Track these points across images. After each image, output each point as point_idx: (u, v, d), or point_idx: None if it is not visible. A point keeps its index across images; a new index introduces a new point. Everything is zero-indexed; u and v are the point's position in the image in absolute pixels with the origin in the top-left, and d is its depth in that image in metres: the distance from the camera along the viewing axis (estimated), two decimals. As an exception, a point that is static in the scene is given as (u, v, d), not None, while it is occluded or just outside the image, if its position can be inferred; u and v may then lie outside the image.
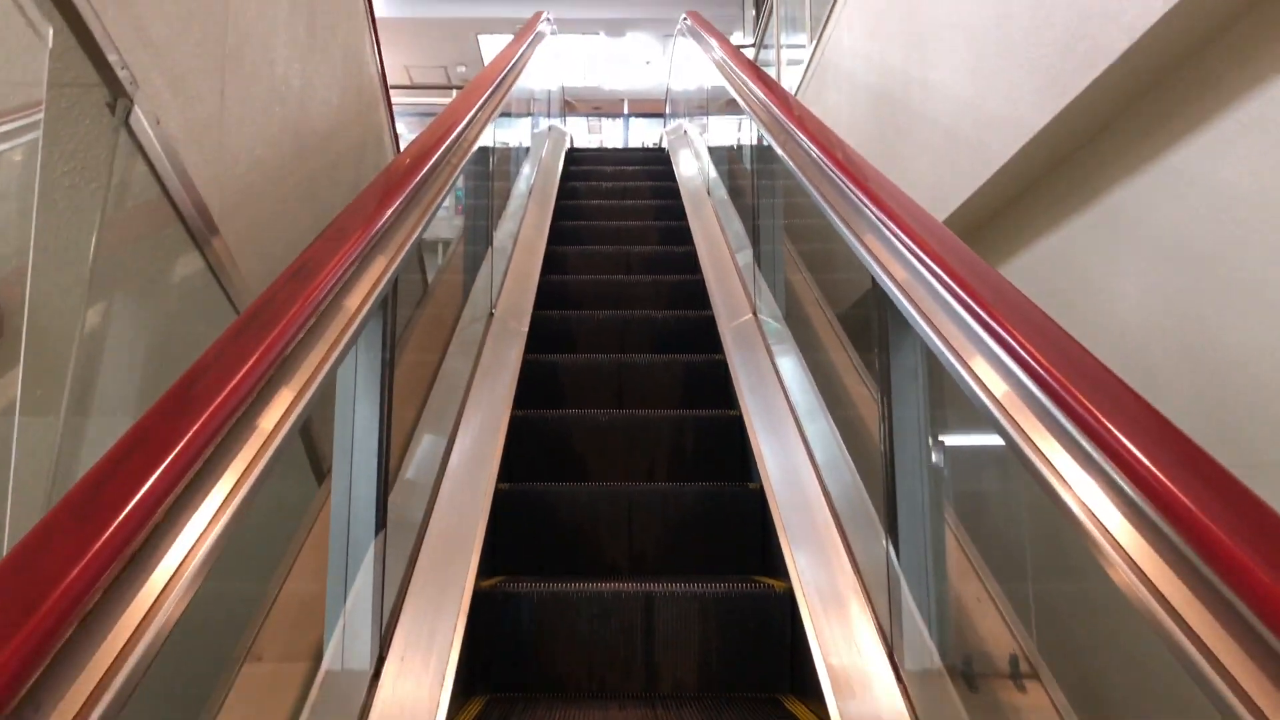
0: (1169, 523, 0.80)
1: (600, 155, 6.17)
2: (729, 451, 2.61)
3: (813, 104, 4.71)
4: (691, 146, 5.86)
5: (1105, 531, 0.90)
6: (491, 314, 2.94)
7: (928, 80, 3.27)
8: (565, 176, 5.30)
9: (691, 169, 5.43)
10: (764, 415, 2.45)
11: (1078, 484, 0.96)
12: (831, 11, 4.70)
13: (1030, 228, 2.79)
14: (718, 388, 2.91)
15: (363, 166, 2.35)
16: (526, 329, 3.00)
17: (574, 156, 6.04)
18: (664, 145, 7.01)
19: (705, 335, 3.12)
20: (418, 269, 3.03)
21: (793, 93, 5.48)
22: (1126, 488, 0.87)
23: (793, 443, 2.36)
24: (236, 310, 1.76)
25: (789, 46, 6.78)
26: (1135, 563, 0.85)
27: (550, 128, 6.41)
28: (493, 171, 2.97)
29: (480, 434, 2.39)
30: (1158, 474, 0.82)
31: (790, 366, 2.67)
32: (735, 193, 4.33)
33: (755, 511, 2.31)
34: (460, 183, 2.83)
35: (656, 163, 5.93)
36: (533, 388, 2.77)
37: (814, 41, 5.24)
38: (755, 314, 2.98)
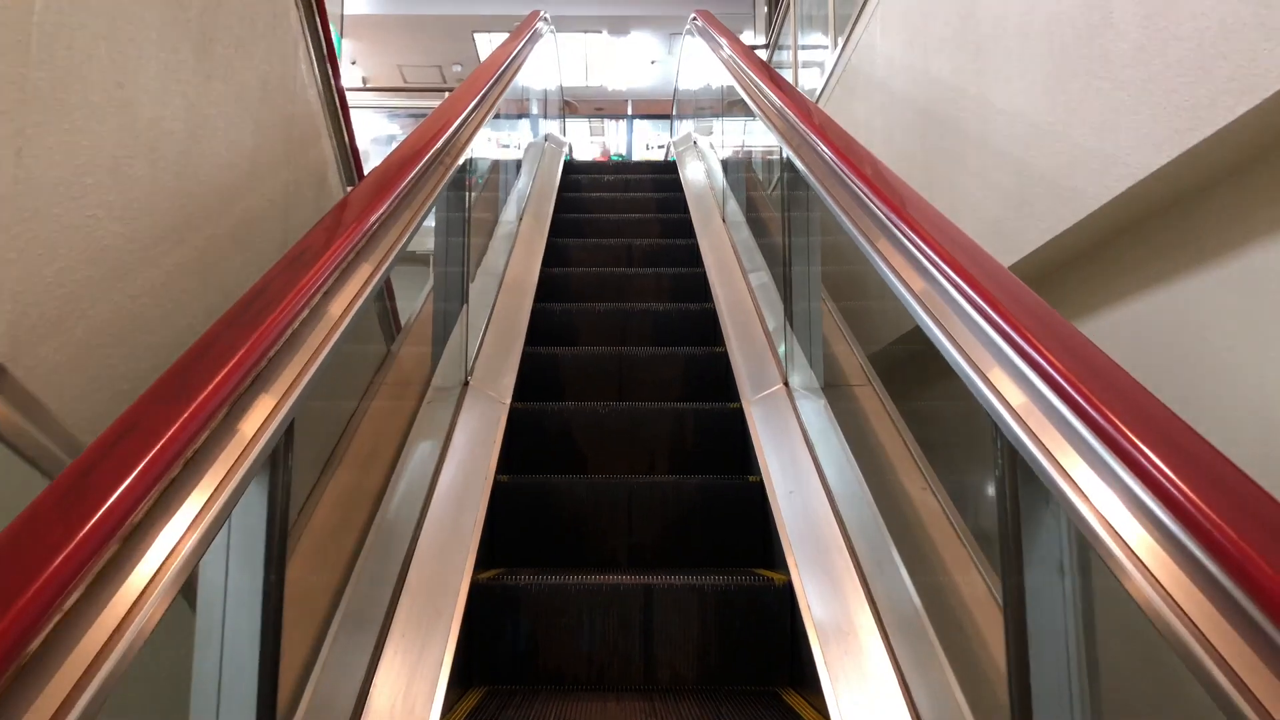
0: (1204, 549, 0.76)
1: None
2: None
3: (837, 115, 4.18)
4: (703, 161, 5.34)
5: (1131, 553, 0.84)
6: (467, 383, 2.43)
7: (988, 99, 2.75)
8: (560, 206, 4.67)
9: (703, 187, 4.92)
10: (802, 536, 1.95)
11: (1101, 501, 0.90)
12: (861, 11, 4.18)
13: (1121, 282, 2.29)
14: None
15: (294, 219, 1.85)
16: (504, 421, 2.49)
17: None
18: (671, 156, 6.49)
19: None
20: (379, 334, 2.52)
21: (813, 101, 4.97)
22: (1157, 508, 0.82)
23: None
24: (46, 476, 1.26)
25: (806, 48, 6.26)
26: (1164, 586, 0.80)
27: (547, 137, 5.89)
28: (469, 213, 2.46)
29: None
30: (1197, 500, 0.77)
31: (832, 454, 2.17)
32: (755, 225, 3.81)
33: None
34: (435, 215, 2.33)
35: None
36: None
37: (838, 45, 4.72)
38: (786, 384, 2.47)
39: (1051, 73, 2.35)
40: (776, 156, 3.07)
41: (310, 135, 2.01)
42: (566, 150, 6.17)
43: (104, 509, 0.76)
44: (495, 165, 3.91)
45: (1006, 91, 2.63)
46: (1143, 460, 0.83)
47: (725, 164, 4.65)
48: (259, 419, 1.05)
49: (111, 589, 0.77)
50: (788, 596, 1.90)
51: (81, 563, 0.72)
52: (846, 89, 4.50)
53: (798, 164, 2.38)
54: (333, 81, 2.60)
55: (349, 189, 2.57)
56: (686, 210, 4.52)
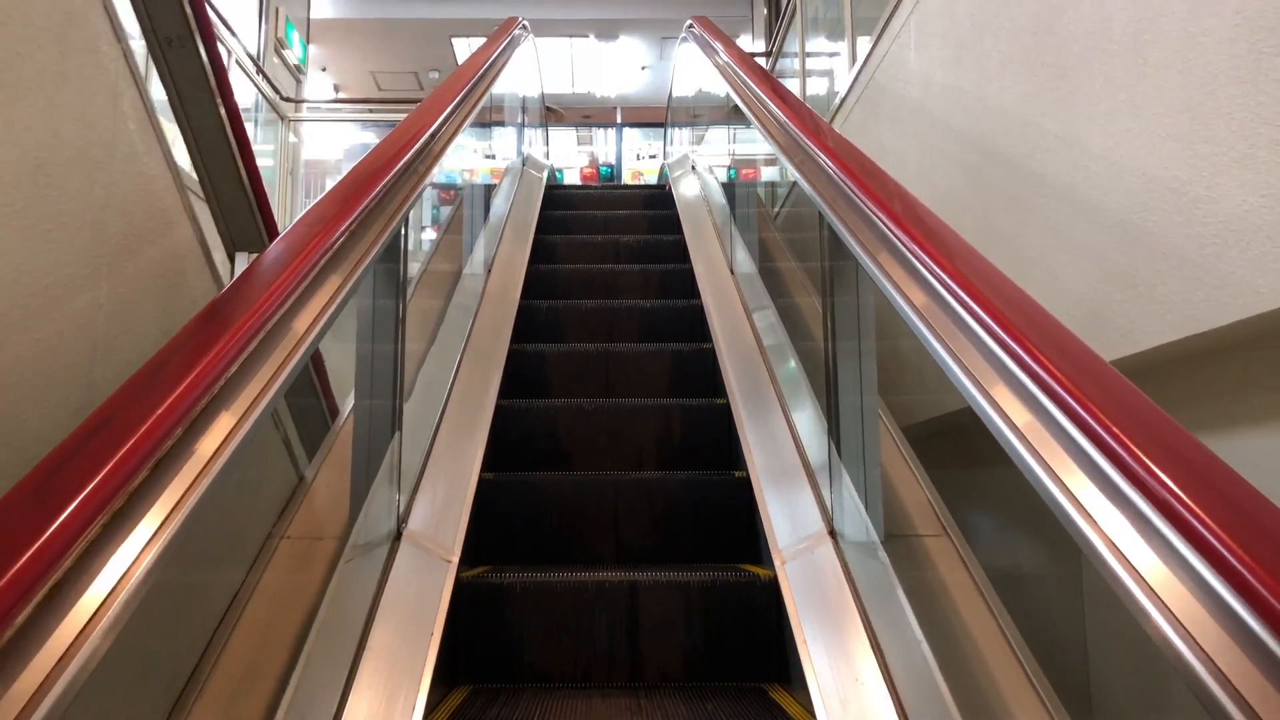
0: (1221, 577, 0.72)
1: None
2: None
3: (859, 140, 3.52)
4: (703, 195, 4.71)
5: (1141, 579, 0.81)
6: (399, 535, 1.81)
7: (1078, 139, 2.14)
8: (536, 255, 3.92)
9: (703, 220, 4.30)
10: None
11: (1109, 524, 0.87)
12: (889, 20, 3.56)
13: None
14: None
15: (118, 354, 1.22)
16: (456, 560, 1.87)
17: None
18: (665, 181, 5.87)
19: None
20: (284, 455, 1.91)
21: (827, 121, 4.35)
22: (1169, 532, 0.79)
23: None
24: None
25: (814, 55, 5.64)
26: (1175, 614, 0.76)
27: (525, 161, 5.25)
28: (403, 312, 1.82)
29: None
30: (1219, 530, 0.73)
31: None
32: (768, 277, 3.19)
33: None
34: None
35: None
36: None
37: (858, 58, 4.10)
38: (832, 533, 1.84)
39: (1188, 113, 1.74)
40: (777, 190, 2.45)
41: (150, 225, 1.38)
42: (548, 174, 5.53)
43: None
44: (458, 200, 3.30)
45: (1109, 133, 2.02)
46: (1153, 481, 0.80)
47: (731, 202, 4.02)
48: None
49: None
50: (773, 588, 1.88)
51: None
52: (870, 110, 3.89)
53: (846, 239, 1.76)
54: (227, 131, 1.98)
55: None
56: (688, 259, 3.86)
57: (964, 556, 1.70)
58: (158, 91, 1.85)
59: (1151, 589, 0.80)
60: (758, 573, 1.98)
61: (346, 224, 1.58)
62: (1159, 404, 0.98)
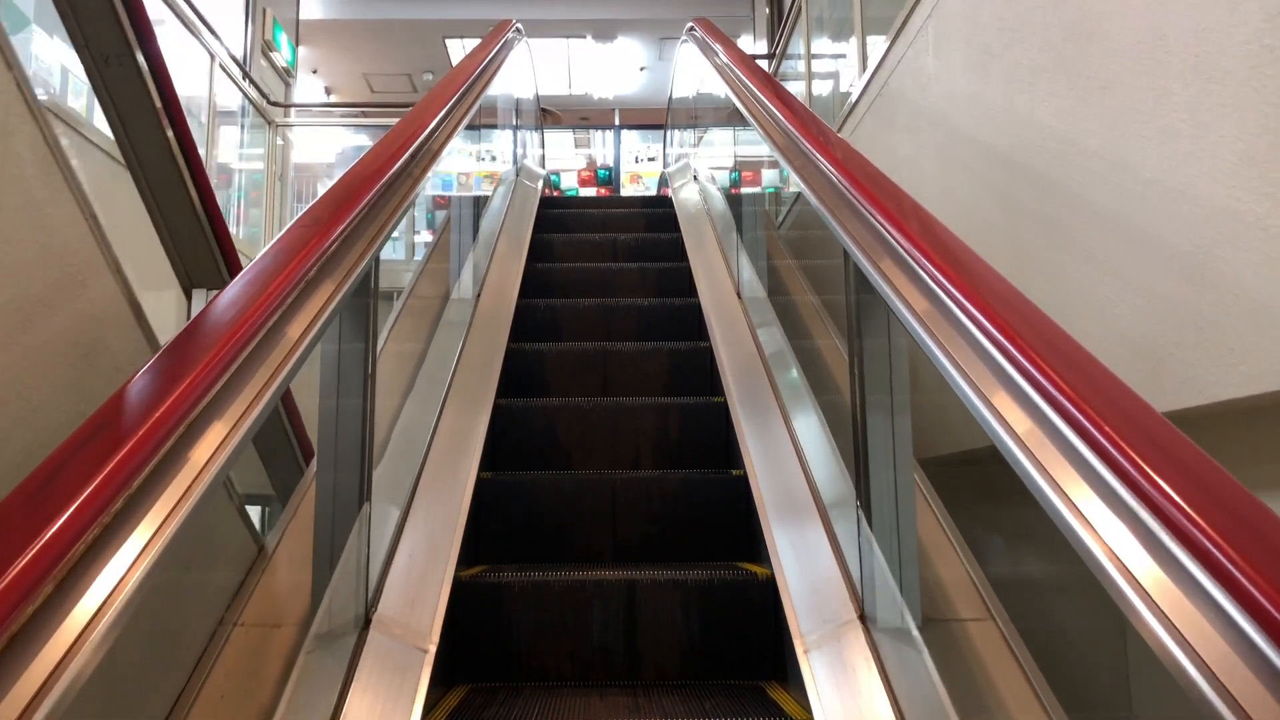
0: (1227, 592, 0.69)
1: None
2: None
3: (871, 151, 3.28)
4: (706, 207, 4.50)
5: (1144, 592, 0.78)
6: (368, 622, 1.59)
7: (1128, 162, 1.93)
8: (528, 286, 3.58)
9: (705, 234, 4.08)
10: None
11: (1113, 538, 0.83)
12: (905, 24, 3.35)
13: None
14: None
15: (20, 439, 1.00)
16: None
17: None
18: (663, 186, 5.64)
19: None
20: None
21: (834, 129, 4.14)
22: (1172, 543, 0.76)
23: None
24: None
25: (820, 56, 5.42)
26: (1179, 629, 0.73)
27: (520, 171, 5.03)
28: (372, 363, 1.60)
29: None
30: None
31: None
32: (784, 311, 2.98)
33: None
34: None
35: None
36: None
37: (869, 64, 3.88)
38: (863, 618, 1.63)
39: (1266, 135, 1.53)
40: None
41: (54, 287, 1.16)
42: (543, 183, 5.31)
43: None
44: (442, 224, 3.09)
45: (1164, 155, 1.80)
46: (1155, 492, 0.78)
47: (740, 227, 3.80)
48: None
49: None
50: (770, 586, 1.88)
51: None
52: (882, 119, 3.67)
53: (883, 286, 1.55)
54: (177, 156, 1.78)
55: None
56: (694, 292, 3.61)
57: (1013, 646, 1.49)
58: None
59: (1151, 597, 0.78)
60: (755, 571, 1.99)
61: (310, 264, 1.38)
62: (1220, 461, 0.83)
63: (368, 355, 1.57)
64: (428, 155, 2.02)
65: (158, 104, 1.68)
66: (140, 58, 1.63)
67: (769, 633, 1.91)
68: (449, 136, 2.33)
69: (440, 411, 2.42)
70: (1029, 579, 2.54)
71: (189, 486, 0.99)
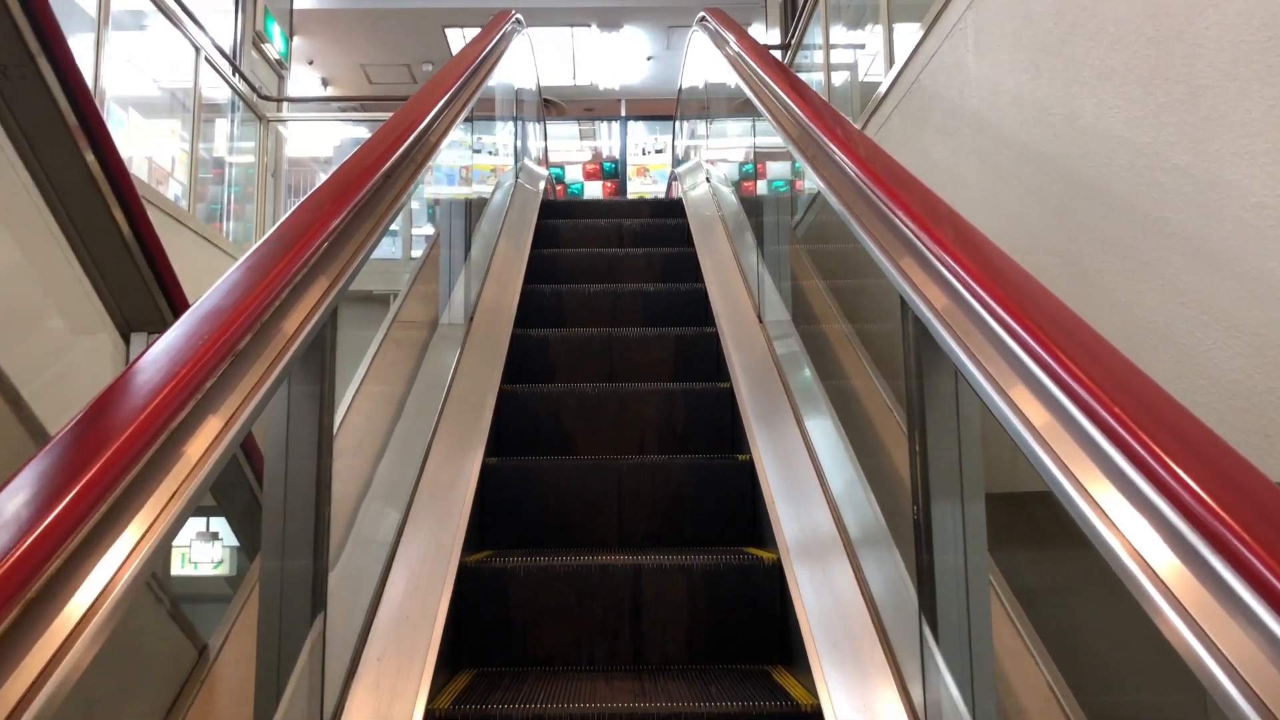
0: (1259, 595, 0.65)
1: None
2: None
3: (900, 151, 2.96)
4: (719, 212, 4.20)
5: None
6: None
7: (1226, 183, 1.64)
8: (526, 305, 3.22)
9: (721, 247, 3.79)
10: None
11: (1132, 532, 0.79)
12: (941, 15, 3.05)
13: None
14: None
15: None
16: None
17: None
18: (677, 195, 5.35)
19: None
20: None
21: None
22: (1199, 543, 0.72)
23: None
24: None
25: (838, 47, 5.11)
26: (1206, 631, 0.69)
27: (520, 170, 4.73)
28: (324, 460, 1.32)
29: None
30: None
31: None
32: (799, 311, 2.69)
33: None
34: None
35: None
36: None
37: (896, 58, 3.58)
38: (908, 701, 1.35)
39: None
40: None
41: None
42: (544, 184, 5.01)
43: None
44: (429, 247, 2.81)
45: (1275, 175, 1.52)
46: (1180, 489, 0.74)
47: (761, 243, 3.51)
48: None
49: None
50: (776, 571, 1.91)
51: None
52: (914, 117, 3.37)
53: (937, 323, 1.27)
54: (100, 183, 1.51)
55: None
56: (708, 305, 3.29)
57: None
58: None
59: (1174, 595, 0.74)
60: (761, 555, 1.99)
61: (250, 317, 1.11)
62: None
63: (321, 430, 1.29)
64: (411, 165, 1.76)
65: (72, 122, 1.39)
66: (46, 67, 1.34)
67: (775, 617, 1.91)
68: (434, 147, 2.05)
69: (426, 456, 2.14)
70: (1079, 629, 2.26)
71: (104, 589, 0.75)
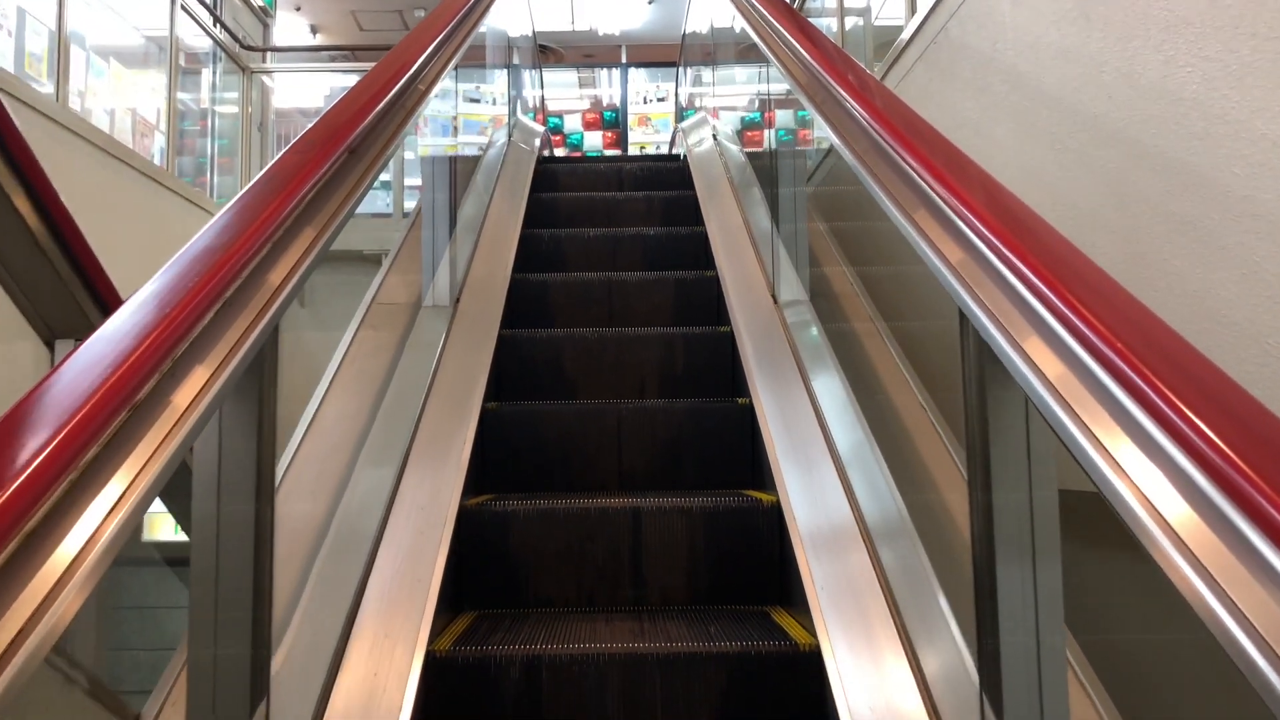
0: None
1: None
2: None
3: (923, 106, 2.67)
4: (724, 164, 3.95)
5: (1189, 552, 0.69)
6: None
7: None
8: (512, 301, 2.94)
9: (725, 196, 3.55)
10: None
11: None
12: (972, -42, 2.76)
13: None
14: None
15: None
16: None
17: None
18: (680, 151, 5.06)
19: None
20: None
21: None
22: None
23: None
24: None
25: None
26: (1229, 594, 0.64)
27: (515, 127, 4.45)
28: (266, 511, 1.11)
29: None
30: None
31: None
32: (823, 307, 2.46)
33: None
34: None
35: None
36: None
37: (921, 5, 3.29)
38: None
39: None
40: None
41: None
42: (539, 143, 4.72)
43: None
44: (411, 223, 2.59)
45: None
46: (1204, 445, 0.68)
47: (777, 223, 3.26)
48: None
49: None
50: (775, 513, 1.90)
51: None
52: (939, 71, 3.10)
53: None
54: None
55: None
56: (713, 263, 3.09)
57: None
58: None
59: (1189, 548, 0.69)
60: (760, 498, 1.99)
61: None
62: None
63: (260, 478, 1.07)
64: (402, 110, 1.63)
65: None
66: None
67: (773, 558, 1.91)
68: (429, 87, 1.94)
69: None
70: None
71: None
